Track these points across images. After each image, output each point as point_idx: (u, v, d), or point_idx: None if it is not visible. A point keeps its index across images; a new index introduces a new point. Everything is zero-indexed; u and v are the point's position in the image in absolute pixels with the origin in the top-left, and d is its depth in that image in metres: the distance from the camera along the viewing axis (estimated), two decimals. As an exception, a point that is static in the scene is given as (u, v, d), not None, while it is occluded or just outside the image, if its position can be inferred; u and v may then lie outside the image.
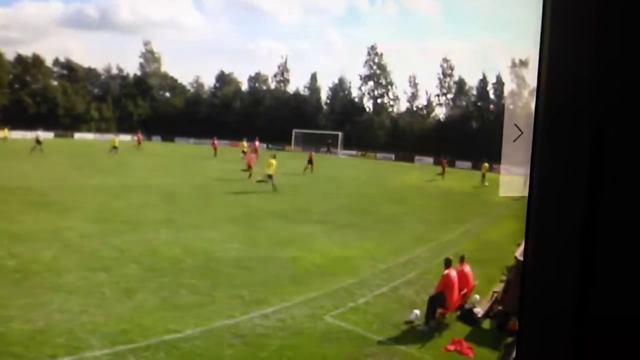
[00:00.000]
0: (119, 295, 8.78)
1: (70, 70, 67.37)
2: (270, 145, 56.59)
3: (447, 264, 8.90)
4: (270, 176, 23.10)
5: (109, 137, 49.99)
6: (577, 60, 0.88)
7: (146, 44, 75.23)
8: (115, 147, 37.39)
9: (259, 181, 23.76)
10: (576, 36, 0.88)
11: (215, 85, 75.94)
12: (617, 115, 0.86)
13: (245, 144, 43.61)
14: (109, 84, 71.34)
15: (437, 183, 33.65)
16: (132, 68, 79.15)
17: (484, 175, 33.28)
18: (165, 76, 75.59)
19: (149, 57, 74.85)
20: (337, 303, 9.15)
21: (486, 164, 33.65)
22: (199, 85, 77.46)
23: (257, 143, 43.56)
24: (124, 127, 62.07)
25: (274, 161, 23.49)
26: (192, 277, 10.05)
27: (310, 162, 32.93)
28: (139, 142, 45.91)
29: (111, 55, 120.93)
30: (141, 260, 10.90)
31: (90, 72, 70.47)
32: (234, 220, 15.93)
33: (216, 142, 45.75)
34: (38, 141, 35.24)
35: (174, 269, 10.52)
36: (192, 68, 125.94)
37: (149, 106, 71.11)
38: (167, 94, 75.89)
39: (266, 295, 9.24)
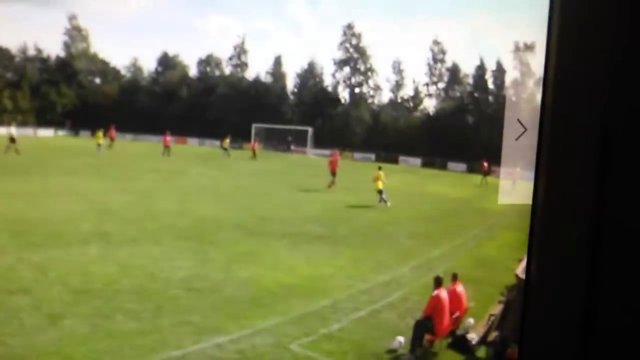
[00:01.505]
0: (41, 322, 8.72)
1: (-27, 51, 66.10)
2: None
3: (437, 283, 9.11)
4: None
5: (27, 131, 49.23)
6: (592, 44, 0.87)
7: (71, 18, 74.34)
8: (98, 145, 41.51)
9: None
10: (591, 15, 0.87)
11: (156, 70, 75.46)
12: (633, 110, 0.86)
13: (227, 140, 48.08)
14: (26, 67, 70.00)
15: (425, 188, 34.16)
16: (54, 48, 78.10)
17: (485, 175, 35.42)
18: (94, 58, 74.66)
19: (75, 34, 73.87)
20: (306, 330, 9.28)
21: (485, 164, 35.83)
22: (136, 70, 76.83)
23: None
24: (45, 119, 61.09)
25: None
26: (131, 300, 10.04)
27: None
28: (112, 139, 47.58)
29: (27, 32, 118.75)
30: (68, 281, 10.83)
31: (1, 53, 69.07)
32: (181, 233, 15.92)
33: (169, 137, 45.87)
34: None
35: (108, 291, 10.48)
36: (128, 48, 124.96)
37: (75, 95, 70.13)
38: (98, 80, 75.03)
39: (221, 322, 9.32)
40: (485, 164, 39.63)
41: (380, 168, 26.13)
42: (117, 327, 8.80)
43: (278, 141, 58.43)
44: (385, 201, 24.67)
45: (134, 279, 11.34)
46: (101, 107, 67.51)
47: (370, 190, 27.30)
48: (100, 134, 43.07)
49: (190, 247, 14.48)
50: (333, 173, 29.28)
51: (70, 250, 13.20)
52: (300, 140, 59.32)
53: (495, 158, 36.66)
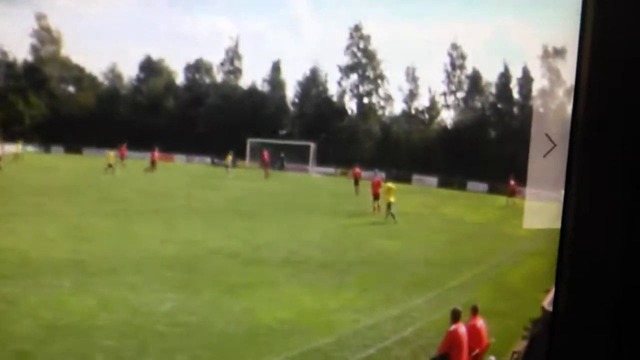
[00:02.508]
0: (11, 361, 8.85)
1: None
2: (216, 160, 56.54)
3: (455, 317, 9.20)
4: None
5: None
6: (629, 48, 0.87)
7: (39, 18, 74.35)
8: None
9: None
10: (627, 16, 0.87)
11: (138, 77, 75.16)
12: None
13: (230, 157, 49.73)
14: (-11, 73, 70.41)
15: (442, 211, 34.24)
16: (20, 51, 78.00)
17: (510, 196, 36.45)
18: (67, 63, 74.45)
19: (45, 36, 73.77)
20: (308, 370, 9.38)
21: (512, 182, 37.27)
22: (115, 77, 76.58)
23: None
24: (11, 133, 61.36)
25: None
26: (110, 337, 10.15)
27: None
28: (122, 157, 47.53)
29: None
30: (39, 315, 10.94)
31: (-39, 56, 69.51)
32: (166, 262, 16.02)
33: (157, 154, 46.90)
34: None
35: (84, 327, 10.60)
36: (105, 52, 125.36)
37: (45, 105, 70.12)
38: (71, 88, 74.92)
39: (212, 361, 9.42)
40: (512, 183, 39.78)
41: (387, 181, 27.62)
42: (96, 367, 8.91)
43: (276, 158, 58.59)
44: (393, 216, 26.16)
45: (113, 313, 11.44)
46: (76, 119, 67.03)
47: (379, 214, 27.45)
48: (111, 154, 42.71)
49: (175, 277, 14.58)
50: (376, 196, 29.78)
51: (40, 280, 13.30)
52: (301, 156, 59.18)
53: (520, 177, 36.94)
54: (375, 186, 30.43)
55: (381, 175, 42.92)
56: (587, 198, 0.90)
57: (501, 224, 29.46)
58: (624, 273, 0.89)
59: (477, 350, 9.40)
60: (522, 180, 31.46)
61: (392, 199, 26.81)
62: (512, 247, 22.33)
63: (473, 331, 9.43)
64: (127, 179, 38.56)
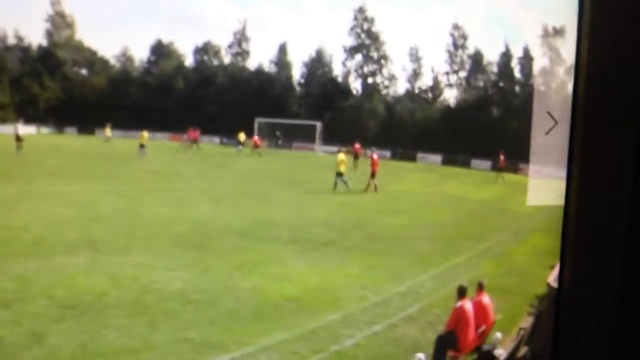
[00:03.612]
0: (24, 339, 8.74)
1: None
2: (225, 140, 56.56)
3: (461, 293, 9.07)
4: None
5: (5, 129, 49.44)
6: (628, 26, 0.85)
7: (54, 3, 74.42)
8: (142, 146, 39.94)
9: None
10: None
11: (149, 60, 75.47)
12: None
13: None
14: (5, 57, 70.30)
15: (446, 189, 34.12)
16: (35, 36, 78.14)
17: (499, 171, 38.41)
18: (80, 47, 74.70)
19: (59, 21, 73.96)
20: (315, 346, 9.26)
21: (502, 157, 39.28)
22: (127, 60, 76.91)
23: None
24: (26, 115, 61.34)
25: None
26: (122, 315, 10.05)
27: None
28: (195, 141, 48.72)
29: (6, 18, 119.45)
30: (52, 294, 10.84)
31: (-23, 41, 69.52)
32: (176, 241, 15.94)
33: (193, 132, 49.41)
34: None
35: (96, 305, 10.50)
36: (117, 36, 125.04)
37: (60, 88, 70.31)
38: (84, 71, 75.14)
39: (221, 338, 9.31)
40: (502, 158, 39.81)
41: (339, 151, 29.98)
42: (107, 344, 8.80)
43: (288, 137, 58.53)
44: (346, 184, 27.83)
45: (124, 292, 11.34)
46: (88, 101, 67.59)
47: (384, 192, 27.32)
48: (144, 134, 41.45)
49: (186, 255, 14.48)
50: (372, 174, 29.66)
51: (54, 259, 13.21)
52: (307, 135, 59.14)
53: (523, 155, 36.75)
54: (373, 164, 30.23)
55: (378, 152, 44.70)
56: (590, 174, 0.88)
57: (505, 200, 29.30)
58: (628, 248, 0.85)
59: (483, 327, 9.26)
60: (524, 158, 31.27)
61: (342, 169, 28.28)
62: (517, 224, 22.20)
63: (479, 308, 9.29)
64: (136, 161, 38.37)
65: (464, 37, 66.08)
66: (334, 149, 57.82)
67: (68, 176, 28.04)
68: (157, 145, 45.16)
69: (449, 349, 8.67)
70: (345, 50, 70.12)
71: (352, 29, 69.68)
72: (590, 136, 0.89)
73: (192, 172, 33.50)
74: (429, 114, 64.68)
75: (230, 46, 73.90)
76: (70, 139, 57.68)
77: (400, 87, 70.54)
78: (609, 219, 0.87)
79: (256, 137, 51.56)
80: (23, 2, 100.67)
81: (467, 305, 8.95)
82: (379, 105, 66.51)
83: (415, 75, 67.97)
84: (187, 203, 22.31)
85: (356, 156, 41.75)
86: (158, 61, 74.24)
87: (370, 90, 68.60)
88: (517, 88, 61.66)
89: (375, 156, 31.06)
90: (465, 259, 15.96)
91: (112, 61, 76.65)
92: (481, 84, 64.79)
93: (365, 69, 69.61)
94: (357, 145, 43.17)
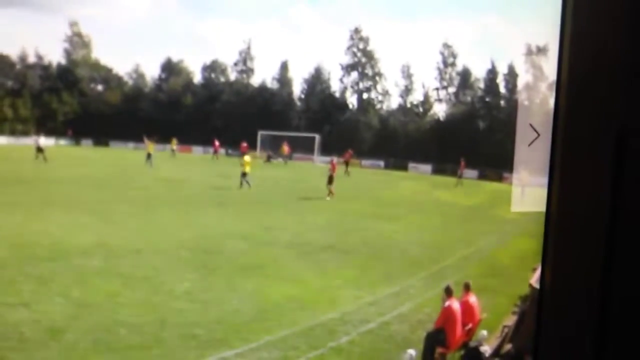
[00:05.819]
0: (42, 336, 8.75)
1: (-29, 58, 66.58)
2: (230, 151, 56.61)
3: (448, 293, 9.09)
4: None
5: (27, 141, 49.53)
6: (606, 46, 0.86)
7: (72, 24, 74.71)
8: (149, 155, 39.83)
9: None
10: (604, 15, 0.86)
11: (160, 77, 75.58)
12: None
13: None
14: (26, 74, 70.46)
15: (436, 196, 34.12)
16: (55, 55, 78.33)
17: (460, 177, 40.05)
18: (96, 65, 74.99)
19: (76, 41, 74.24)
20: (314, 343, 9.26)
21: (462, 163, 41.03)
22: (139, 77, 77.03)
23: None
24: (45, 128, 61.37)
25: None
26: (133, 313, 10.06)
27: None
28: (216, 152, 52.66)
29: (28, 39, 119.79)
30: (68, 293, 10.86)
31: (1, 60, 69.58)
32: (183, 244, 15.92)
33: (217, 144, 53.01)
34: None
35: (109, 304, 10.52)
36: (130, 55, 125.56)
37: (77, 103, 70.46)
38: (100, 87, 75.32)
39: (226, 335, 9.32)
40: (462, 164, 40.35)
41: (244, 154, 34.46)
42: (120, 341, 8.82)
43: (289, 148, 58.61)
44: (248, 183, 29.27)
45: (136, 291, 11.37)
46: (103, 115, 67.75)
47: (376, 198, 27.30)
48: (150, 144, 40.76)
49: (192, 257, 14.50)
50: (329, 179, 29.12)
51: (70, 261, 13.24)
52: (307, 147, 59.21)
53: (507, 164, 36.80)
54: (332, 169, 30.67)
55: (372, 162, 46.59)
56: (569, 182, 0.89)
57: (490, 207, 29.32)
58: (606, 251, 0.86)
59: (470, 325, 9.26)
60: (509, 167, 31.36)
61: (247, 170, 29.57)
62: (502, 229, 22.21)
63: (466, 307, 9.30)
64: (149, 170, 38.32)
65: (454, 55, 66.25)
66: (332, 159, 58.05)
67: (85, 184, 28.01)
68: (165, 156, 45.07)
69: (438, 345, 8.67)
70: (342, 68, 70.29)
71: (348, 48, 69.93)
72: (569, 147, 0.90)
73: (202, 180, 33.41)
74: (420, 126, 64.75)
75: (235, 64, 74.04)
76: (87, 150, 57.63)
77: (394, 102, 70.26)
78: (588, 223, 0.88)
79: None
80: (43, 24, 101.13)
81: (455, 304, 8.96)
82: (373, 119, 66.56)
83: (407, 90, 68.07)
84: (195, 211, 22.29)
85: (347, 163, 44.08)
86: (168, 78, 74.37)
87: (365, 104, 68.69)
88: (502, 102, 61.69)
89: (334, 161, 33.08)
90: (454, 262, 15.94)
91: (126, 78, 76.93)
92: (469, 98, 64.84)
93: (361, 85, 69.72)
94: (348, 154, 46.15)
